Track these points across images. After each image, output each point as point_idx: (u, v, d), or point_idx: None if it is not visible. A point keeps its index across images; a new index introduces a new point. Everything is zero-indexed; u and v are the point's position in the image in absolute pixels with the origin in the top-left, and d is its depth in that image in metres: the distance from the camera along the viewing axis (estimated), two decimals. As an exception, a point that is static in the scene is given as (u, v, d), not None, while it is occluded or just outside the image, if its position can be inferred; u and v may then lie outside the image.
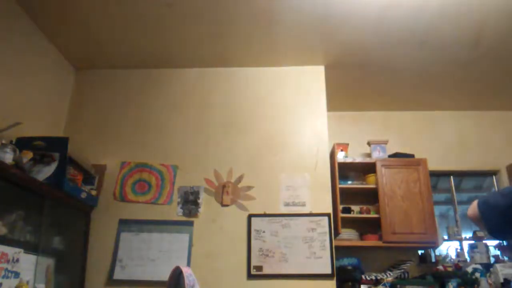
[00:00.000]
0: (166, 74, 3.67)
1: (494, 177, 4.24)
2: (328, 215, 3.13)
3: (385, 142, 3.91)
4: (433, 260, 3.62)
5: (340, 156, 3.75)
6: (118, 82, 3.66)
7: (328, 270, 2.96)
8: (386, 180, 3.62)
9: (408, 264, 3.55)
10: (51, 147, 2.69)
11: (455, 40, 3.21)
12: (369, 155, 3.91)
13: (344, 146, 3.84)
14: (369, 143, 3.93)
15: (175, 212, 3.18)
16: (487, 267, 3.41)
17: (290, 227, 3.10)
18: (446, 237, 3.83)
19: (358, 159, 3.78)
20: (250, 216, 3.14)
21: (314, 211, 3.15)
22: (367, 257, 3.61)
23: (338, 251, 3.22)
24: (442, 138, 4.26)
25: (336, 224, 3.37)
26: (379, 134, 4.16)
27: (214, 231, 3.12)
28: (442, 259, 3.65)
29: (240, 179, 3.28)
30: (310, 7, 2.89)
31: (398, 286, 3.25)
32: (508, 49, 3.31)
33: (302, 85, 3.57)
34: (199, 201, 3.21)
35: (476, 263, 3.47)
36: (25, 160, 2.45)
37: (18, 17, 2.93)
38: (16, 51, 2.90)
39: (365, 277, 3.40)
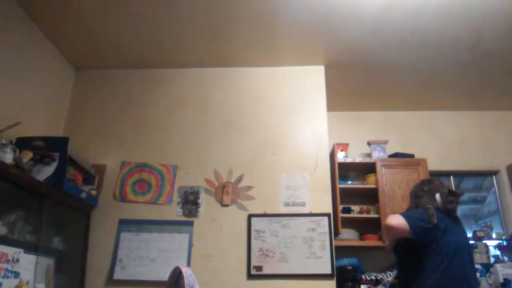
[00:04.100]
0: (166, 74, 3.67)
1: (494, 177, 4.24)
2: (328, 215, 3.13)
3: (385, 142, 3.91)
4: (433, 260, 3.61)
5: (340, 156, 3.74)
6: (118, 82, 3.66)
7: (328, 270, 2.96)
8: (386, 180, 3.61)
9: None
10: (51, 147, 2.69)
11: (455, 40, 3.21)
12: (369, 155, 3.91)
13: (344, 146, 3.84)
14: (369, 143, 3.93)
15: (175, 212, 3.18)
16: (487, 267, 3.41)
17: (290, 227, 3.10)
18: (446, 237, 3.82)
19: (358, 159, 3.77)
20: (250, 216, 3.14)
21: (314, 211, 3.15)
22: (367, 257, 3.61)
23: (338, 251, 3.23)
24: (442, 138, 4.26)
25: (336, 224, 3.37)
26: (379, 134, 4.16)
27: (214, 231, 3.12)
28: (442, 259, 3.65)
29: (240, 179, 3.28)
30: (310, 7, 2.89)
31: (398, 286, 3.25)
32: (508, 49, 3.31)
33: (302, 85, 3.57)
34: (199, 201, 3.21)
35: (476, 263, 3.47)
36: (25, 160, 2.45)
37: (18, 17, 2.93)
38: (16, 51, 2.90)
39: (365, 277, 3.40)
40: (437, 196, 2.25)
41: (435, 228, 2.07)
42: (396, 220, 2.03)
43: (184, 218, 3.16)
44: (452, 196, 2.25)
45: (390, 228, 2.04)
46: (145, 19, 3.06)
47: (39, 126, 3.12)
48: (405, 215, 2.09)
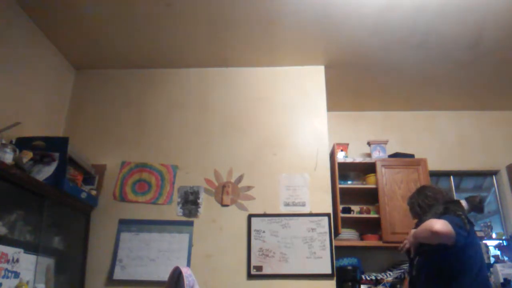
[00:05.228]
0: (166, 74, 3.67)
1: (494, 177, 4.24)
2: (328, 215, 3.13)
3: (385, 142, 3.91)
4: (433, 260, 3.61)
5: (340, 156, 3.74)
6: (118, 82, 3.66)
7: (328, 270, 2.96)
8: (386, 180, 3.61)
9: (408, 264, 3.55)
10: (51, 147, 2.70)
11: (455, 40, 3.21)
12: (369, 155, 3.91)
13: (344, 146, 3.84)
14: (369, 143, 3.93)
15: (175, 212, 3.18)
16: (487, 267, 3.40)
17: (290, 227, 3.10)
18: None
19: (358, 159, 3.78)
20: (250, 216, 3.14)
21: (314, 211, 3.15)
22: (367, 257, 3.61)
23: (338, 251, 3.22)
24: (442, 138, 4.26)
25: (336, 224, 3.37)
26: (379, 134, 4.16)
27: (214, 231, 3.12)
28: (442, 259, 3.64)
29: (240, 179, 3.28)
30: (310, 7, 2.89)
31: (398, 286, 3.25)
32: (508, 49, 3.31)
33: (302, 85, 3.57)
34: (199, 201, 3.21)
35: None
36: (25, 160, 2.45)
37: (18, 17, 2.93)
38: (16, 51, 2.90)
39: (365, 277, 3.40)
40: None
41: (468, 234, 2.07)
42: (443, 226, 1.95)
43: (184, 218, 3.16)
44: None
45: (437, 234, 1.96)
46: (145, 19, 3.06)
47: (39, 126, 3.12)
48: (449, 220, 2.03)
